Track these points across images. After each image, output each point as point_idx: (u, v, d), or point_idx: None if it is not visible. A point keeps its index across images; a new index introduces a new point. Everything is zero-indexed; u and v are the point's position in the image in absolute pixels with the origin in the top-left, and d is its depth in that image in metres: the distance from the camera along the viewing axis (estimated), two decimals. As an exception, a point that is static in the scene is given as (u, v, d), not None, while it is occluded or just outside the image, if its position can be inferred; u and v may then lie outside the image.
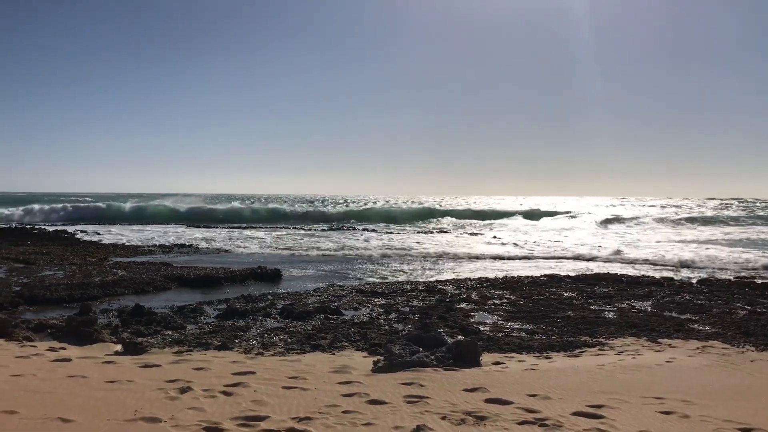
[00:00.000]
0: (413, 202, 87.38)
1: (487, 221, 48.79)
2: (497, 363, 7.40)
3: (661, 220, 49.38)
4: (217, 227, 38.66)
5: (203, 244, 25.52)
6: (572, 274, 16.72)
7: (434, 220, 50.03)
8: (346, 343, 8.49)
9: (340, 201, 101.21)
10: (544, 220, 50.12)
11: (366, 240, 28.71)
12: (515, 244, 27.24)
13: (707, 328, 10.06)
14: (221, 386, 5.64)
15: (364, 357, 7.63)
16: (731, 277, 16.38)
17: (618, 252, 22.57)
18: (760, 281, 15.37)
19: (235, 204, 62.46)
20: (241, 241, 27.29)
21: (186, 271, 15.72)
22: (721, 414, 5.11)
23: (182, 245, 25.11)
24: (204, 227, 38.74)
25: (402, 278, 16.10)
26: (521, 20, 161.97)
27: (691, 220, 49.68)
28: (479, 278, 15.84)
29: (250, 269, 16.03)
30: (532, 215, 54.34)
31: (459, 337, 8.67)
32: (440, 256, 21.84)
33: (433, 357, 6.90)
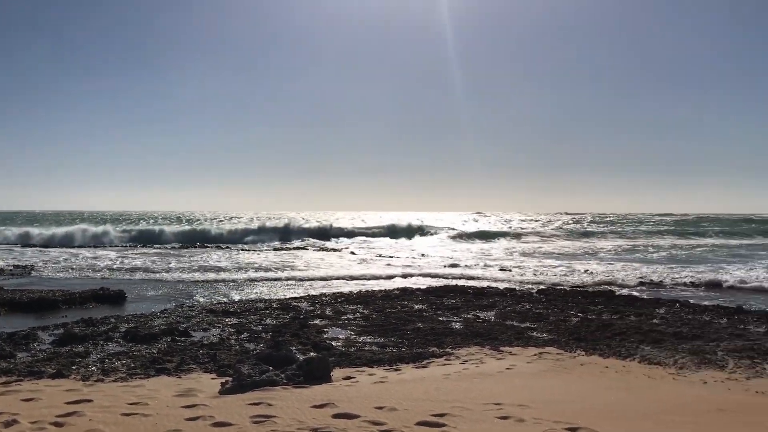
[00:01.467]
0: (274, 217, 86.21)
1: (349, 239, 49.13)
2: (348, 378, 7.45)
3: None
4: (54, 249, 36.02)
5: (40, 265, 23.72)
6: (423, 286, 17.27)
7: (295, 237, 49.50)
8: (193, 366, 8.20)
9: (200, 218, 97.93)
10: (402, 239, 50.71)
11: (219, 258, 28.00)
12: (374, 258, 27.71)
13: (544, 335, 10.74)
14: (52, 417, 5.25)
15: (213, 379, 7.41)
16: (567, 287, 17.62)
17: (457, 264, 23.61)
18: (591, 290, 16.66)
19: (83, 224, 57.84)
20: (85, 261, 25.65)
21: (18, 294, 14.51)
22: (553, 416, 5.47)
23: (16, 266, 23.19)
24: (42, 247, 36.01)
25: (255, 296, 15.84)
26: (381, 33, 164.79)
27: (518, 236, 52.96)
28: (334, 294, 15.93)
29: (92, 291, 15.09)
30: (396, 232, 54.87)
31: (311, 353, 8.65)
32: (296, 273, 21.72)
33: (283, 375, 6.84)
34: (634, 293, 16.44)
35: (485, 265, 24.90)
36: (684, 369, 8.11)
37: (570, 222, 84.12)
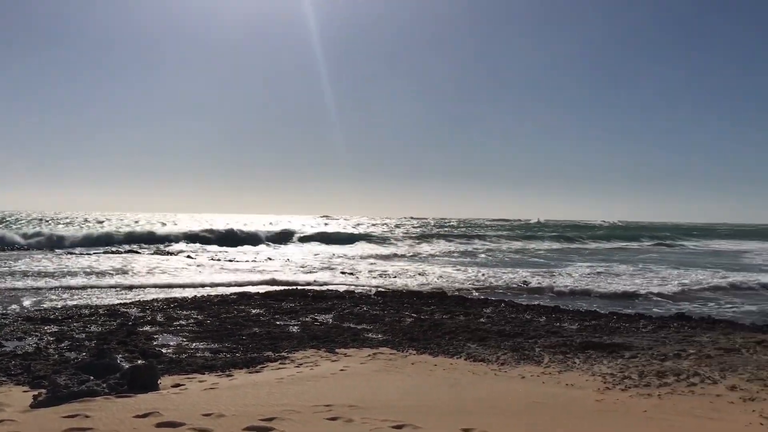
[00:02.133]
0: (107, 219, 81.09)
1: (188, 243, 47.06)
2: (177, 385, 7.18)
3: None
4: None
5: None
6: (262, 290, 17.06)
7: (129, 240, 46.44)
8: (3, 378, 7.52)
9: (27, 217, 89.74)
10: (247, 245, 48.93)
11: (48, 261, 25.90)
12: (211, 262, 26.94)
13: (380, 336, 11.01)
14: None
15: (25, 392, 6.83)
16: (403, 289, 18.18)
17: (303, 267, 23.66)
18: (426, 292, 17.31)
19: None
20: None
21: None
22: (381, 414, 5.61)
23: None
24: None
25: (80, 302, 14.82)
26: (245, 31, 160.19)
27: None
28: (167, 299, 15.30)
29: None
30: (238, 235, 52.87)
31: (138, 361, 8.24)
32: (126, 278, 20.59)
33: (105, 385, 6.45)
34: (465, 294, 17.29)
35: (328, 268, 25.09)
36: (505, 365, 8.65)
37: (417, 226, 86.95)
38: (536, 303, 15.65)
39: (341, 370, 8.11)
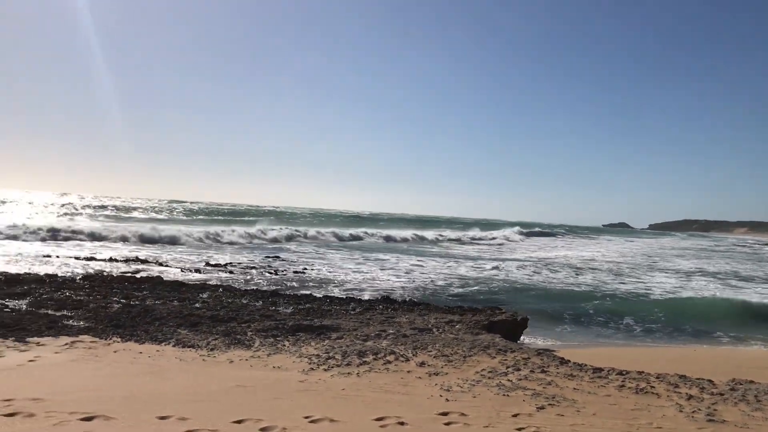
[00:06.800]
0: None
1: None
2: None
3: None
4: None
5: None
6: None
7: None
8: None
9: None
10: None
11: None
12: None
13: (81, 323, 10.17)
14: None
15: None
16: (114, 273, 17.04)
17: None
18: (139, 276, 16.42)
19: None
20: None
21: None
22: (69, 407, 5.21)
23: None
24: None
25: None
26: None
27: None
28: None
29: None
30: None
31: None
32: None
33: None
34: (182, 279, 16.77)
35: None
36: (215, 350, 8.56)
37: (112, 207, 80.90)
38: (253, 288, 15.75)
39: (30, 360, 7.34)
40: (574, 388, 7.10)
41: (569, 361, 8.73)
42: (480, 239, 55.81)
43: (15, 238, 26.61)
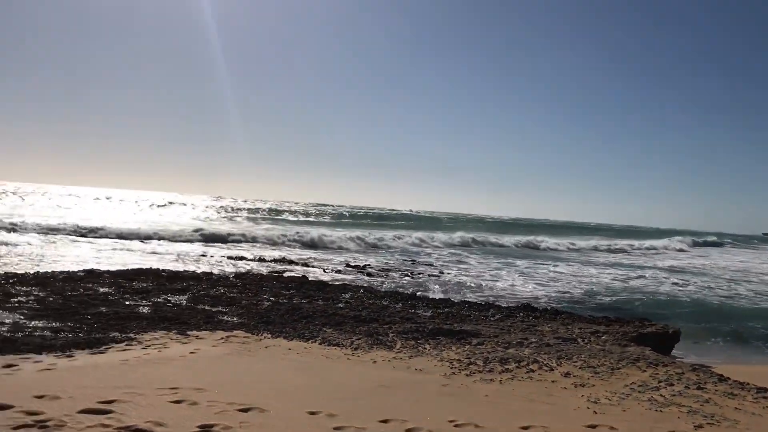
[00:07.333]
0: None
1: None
2: (9, 366, 6.68)
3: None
4: None
5: None
6: (113, 268, 16.20)
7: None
8: None
9: None
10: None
11: None
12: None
13: (235, 318, 10.80)
14: None
15: None
16: (264, 272, 17.95)
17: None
18: (286, 275, 17.19)
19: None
20: None
21: None
22: (228, 398, 5.53)
23: None
24: None
25: None
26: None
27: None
28: (4, 273, 14.15)
29: None
30: None
31: (-35, 340, 7.58)
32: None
33: None
34: (325, 279, 17.36)
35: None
36: (359, 350, 8.78)
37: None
38: (393, 290, 15.99)
39: (191, 352, 7.87)
40: (736, 408, 6.60)
41: (728, 378, 8.12)
42: (647, 249, 52.13)
43: (173, 240, 28.68)
